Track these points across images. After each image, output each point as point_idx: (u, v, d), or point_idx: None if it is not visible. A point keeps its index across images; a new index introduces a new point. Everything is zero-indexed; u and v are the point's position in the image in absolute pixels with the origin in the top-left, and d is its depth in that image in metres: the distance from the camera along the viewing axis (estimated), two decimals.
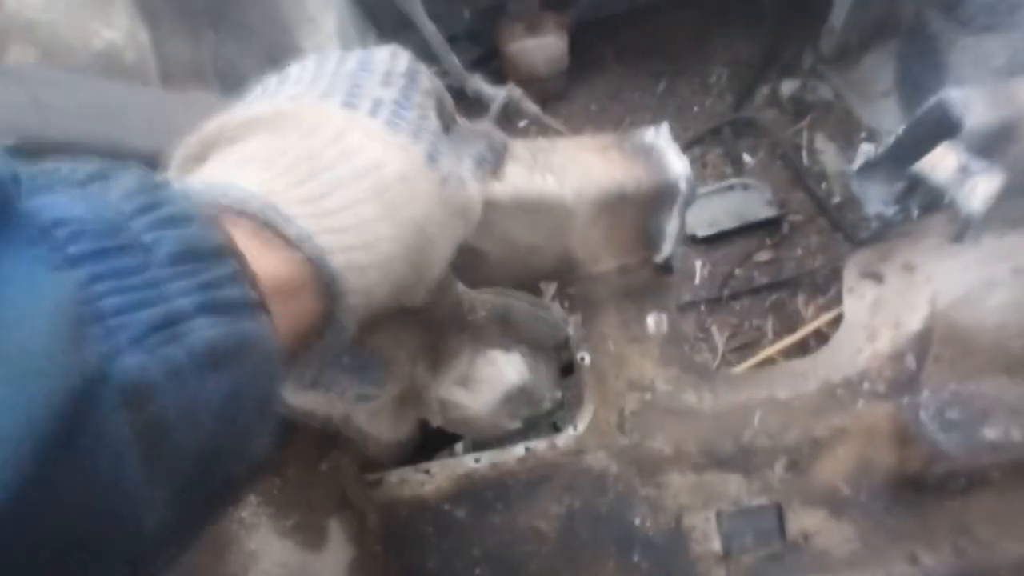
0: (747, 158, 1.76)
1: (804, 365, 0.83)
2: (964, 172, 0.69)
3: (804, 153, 1.73)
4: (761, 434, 0.86)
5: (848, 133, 1.75)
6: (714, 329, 1.49)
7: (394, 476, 0.85)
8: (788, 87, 1.87)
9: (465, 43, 1.84)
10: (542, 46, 1.72)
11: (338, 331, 0.40)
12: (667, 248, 0.70)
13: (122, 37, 0.99)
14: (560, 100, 1.92)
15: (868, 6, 1.62)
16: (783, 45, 1.84)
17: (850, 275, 0.84)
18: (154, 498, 0.27)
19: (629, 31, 1.98)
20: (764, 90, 1.86)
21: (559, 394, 0.77)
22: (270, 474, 0.59)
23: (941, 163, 0.70)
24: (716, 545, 0.90)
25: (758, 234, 1.63)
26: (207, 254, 0.31)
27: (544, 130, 1.05)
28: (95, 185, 0.30)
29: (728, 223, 1.55)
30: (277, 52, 1.15)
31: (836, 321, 1.23)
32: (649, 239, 0.69)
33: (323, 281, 0.38)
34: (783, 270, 1.57)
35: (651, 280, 0.76)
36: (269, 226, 0.36)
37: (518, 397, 0.71)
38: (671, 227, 0.67)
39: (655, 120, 1.97)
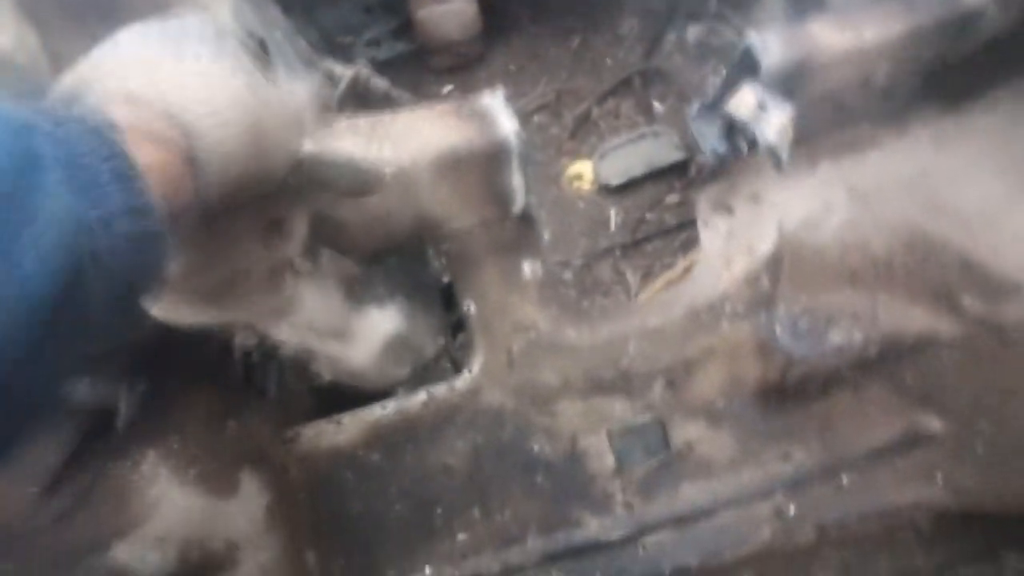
0: (657, 106, 1.83)
1: (669, 295, 0.92)
2: (761, 108, 0.77)
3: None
4: (637, 359, 0.95)
5: None
6: (628, 273, 1.58)
7: (310, 429, 0.94)
8: (694, 33, 1.93)
9: (381, 13, 1.88)
10: (453, 11, 1.76)
11: (204, 193, 0.51)
12: (519, 200, 0.77)
13: (9, 41, 1.03)
14: (478, 63, 1.97)
15: None
16: None
17: (703, 209, 0.93)
18: None
19: None
20: (672, 37, 1.92)
21: (441, 340, 0.86)
22: (168, 432, 0.67)
23: (743, 102, 0.79)
24: (610, 461, 1.00)
25: (667, 178, 1.72)
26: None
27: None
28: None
29: (638, 170, 1.63)
30: None
31: None
32: (499, 194, 0.77)
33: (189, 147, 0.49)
34: (691, 210, 1.66)
35: (519, 232, 0.84)
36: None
37: (399, 346, 0.79)
38: (516, 181, 0.75)
39: (571, 77, 2.02)
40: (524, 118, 1.80)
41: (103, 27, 1.20)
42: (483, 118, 0.72)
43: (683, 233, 1.59)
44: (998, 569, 1.06)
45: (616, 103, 1.81)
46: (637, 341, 0.93)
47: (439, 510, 0.97)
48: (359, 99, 0.99)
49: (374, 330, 0.75)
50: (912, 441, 0.97)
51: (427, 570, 0.98)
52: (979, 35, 0.85)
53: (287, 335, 0.70)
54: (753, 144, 0.81)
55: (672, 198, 1.64)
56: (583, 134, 1.80)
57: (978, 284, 0.88)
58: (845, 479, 1.00)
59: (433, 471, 0.96)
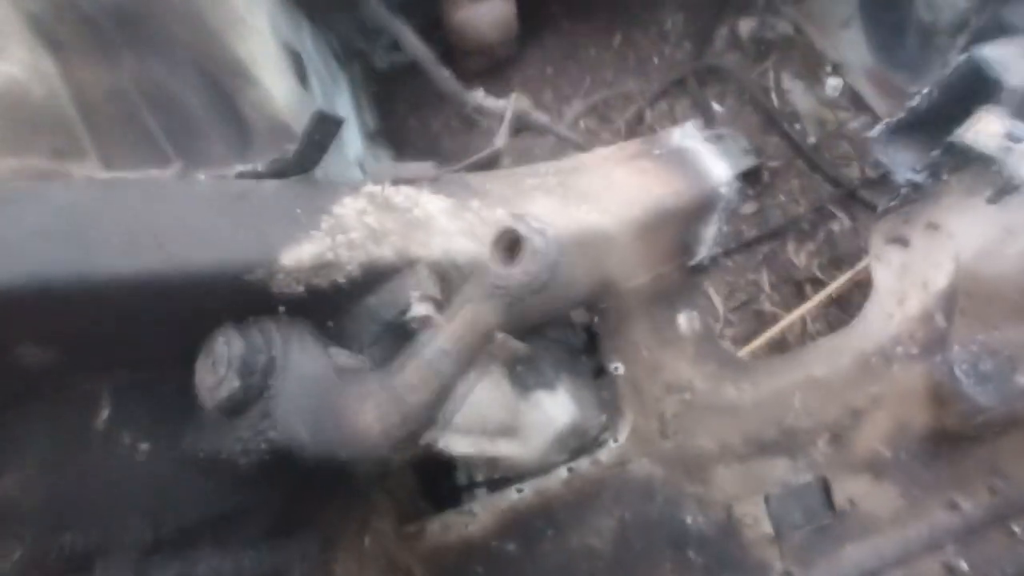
0: (716, 106, 1.72)
1: (837, 340, 0.82)
2: (1010, 138, 0.66)
3: (773, 95, 1.70)
4: (802, 415, 0.84)
5: (813, 68, 1.71)
6: (711, 291, 1.47)
7: (436, 523, 0.81)
8: (746, 26, 1.81)
9: (402, 15, 1.72)
10: (488, 12, 1.61)
11: None
12: (704, 251, 0.65)
13: (22, 70, 0.85)
14: (513, 66, 1.83)
15: None
16: None
17: (876, 243, 0.82)
18: None
19: None
20: (722, 32, 1.80)
21: (604, 417, 0.73)
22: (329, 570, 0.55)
23: (985, 130, 0.67)
24: (767, 527, 0.90)
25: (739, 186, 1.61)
26: None
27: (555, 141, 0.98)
28: None
29: None
30: (209, 64, 1.02)
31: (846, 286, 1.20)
32: (686, 246, 0.65)
33: None
34: (769, 219, 1.55)
35: (683, 283, 0.72)
36: None
37: (573, 434, 0.67)
38: (710, 231, 0.63)
39: (616, 78, 1.90)
40: (571, 124, 1.66)
41: (130, 54, 1.02)
42: (683, 161, 0.60)
43: (764, 245, 1.48)
44: None
45: (670, 104, 1.69)
46: (802, 395, 0.83)
47: None
48: (513, 134, 0.84)
49: (548, 422, 0.62)
50: None
51: None
52: None
53: (461, 446, 0.56)
54: (956, 170, 0.70)
55: (747, 207, 1.53)
56: (638, 134, 1.68)
57: None
58: (1017, 528, 0.92)
59: (575, 554, 0.84)
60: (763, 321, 1.19)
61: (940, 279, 0.81)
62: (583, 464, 0.80)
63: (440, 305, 0.50)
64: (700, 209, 0.61)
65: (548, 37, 1.80)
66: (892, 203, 0.76)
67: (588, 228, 0.55)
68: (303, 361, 0.45)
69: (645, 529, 0.84)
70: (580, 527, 0.82)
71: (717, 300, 1.41)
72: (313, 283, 0.49)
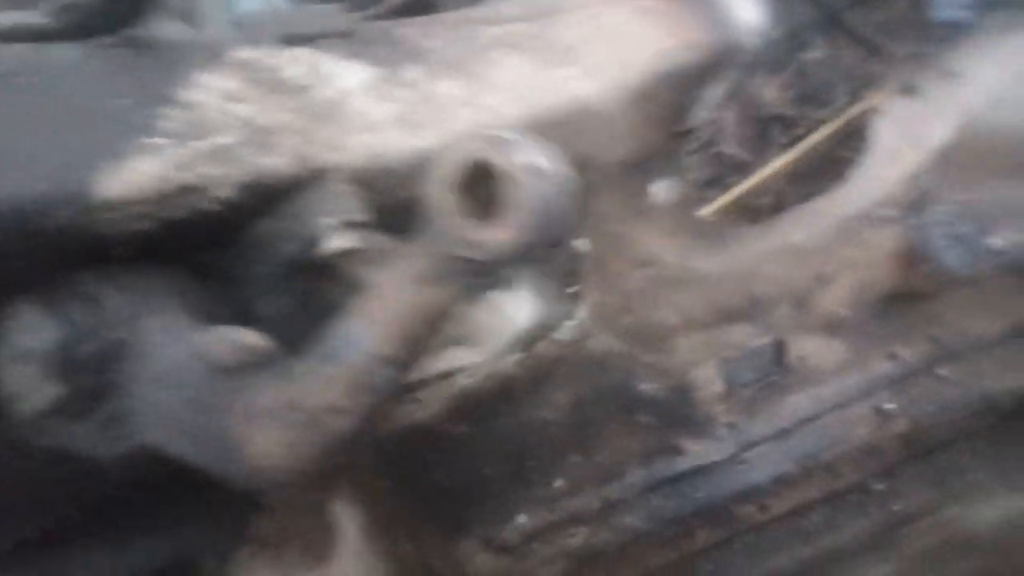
0: None
1: (822, 204, 0.74)
2: None
3: None
4: (771, 282, 0.80)
5: None
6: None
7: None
8: None
9: None
10: None
11: None
12: (701, 114, 0.52)
13: None
14: None
15: None
16: None
17: (887, 95, 0.71)
18: None
19: None
20: None
21: (571, 307, 0.65)
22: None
23: None
24: (718, 387, 0.90)
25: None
26: None
27: None
28: None
29: None
30: None
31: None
32: (683, 111, 0.51)
33: None
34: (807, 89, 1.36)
35: (664, 148, 0.59)
36: None
37: (533, 333, 0.58)
38: (714, 90, 0.49)
39: None
40: None
41: None
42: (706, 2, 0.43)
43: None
44: None
45: None
46: (775, 263, 0.77)
47: (534, 462, 0.86)
48: None
49: (507, 324, 0.52)
50: (1021, 332, 0.93)
51: (521, 518, 0.90)
52: None
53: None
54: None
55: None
56: None
57: None
58: (944, 371, 0.97)
59: (528, 428, 0.82)
60: (723, 164, 1.09)
61: (939, 133, 0.72)
62: (539, 345, 0.74)
63: (367, 230, 0.36)
64: (715, 65, 0.46)
65: None
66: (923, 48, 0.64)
67: (571, 102, 0.40)
68: (167, 345, 0.31)
69: (598, 399, 0.83)
70: (534, 403, 0.79)
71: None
72: (165, 216, 0.32)
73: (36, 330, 0.30)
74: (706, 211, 0.92)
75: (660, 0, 0.44)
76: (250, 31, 0.39)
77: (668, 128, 0.54)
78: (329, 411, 0.31)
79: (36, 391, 0.29)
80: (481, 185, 0.29)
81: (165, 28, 0.37)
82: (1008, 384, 0.95)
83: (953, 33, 0.65)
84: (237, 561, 0.46)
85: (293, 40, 0.37)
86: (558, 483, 0.89)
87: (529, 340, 0.60)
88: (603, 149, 0.50)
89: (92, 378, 0.31)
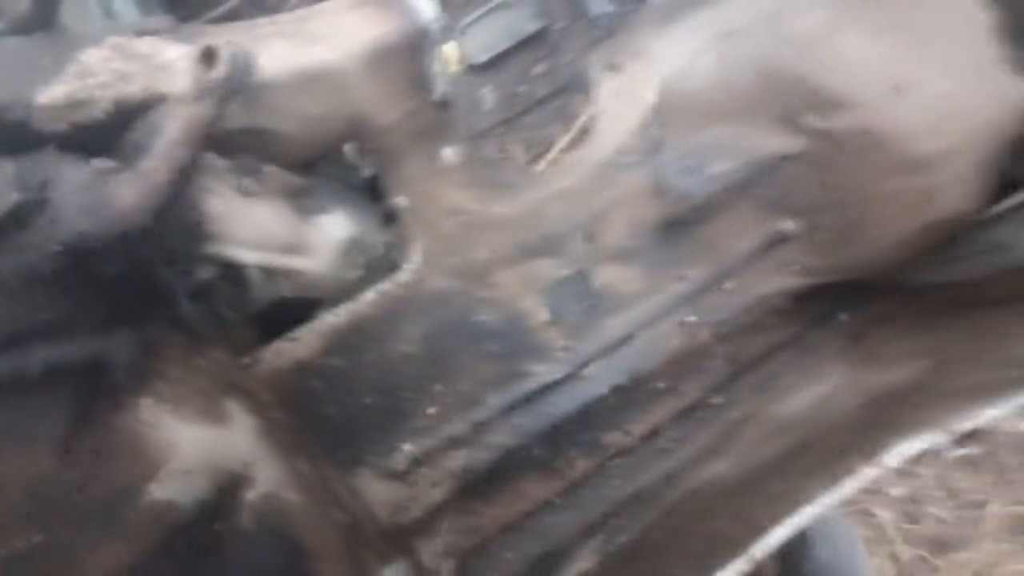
0: None
1: (578, 155, 1.02)
2: None
3: None
4: (556, 221, 1.05)
5: None
6: (513, 147, 1.64)
7: (268, 352, 0.95)
8: None
9: None
10: None
11: None
12: (439, 85, 0.79)
13: None
14: None
15: None
16: None
17: (594, 72, 1.00)
18: None
19: None
20: None
21: (387, 235, 0.89)
22: (152, 379, 0.66)
23: None
24: (545, 315, 1.13)
25: (530, 48, 1.75)
26: None
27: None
28: None
29: (502, 44, 1.64)
30: None
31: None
32: (422, 81, 0.78)
33: None
34: (560, 77, 1.72)
35: (437, 119, 0.86)
36: None
37: (353, 248, 0.81)
38: (434, 67, 0.76)
39: None
40: None
41: None
42: (400, 4, 0.71)
43: (556, 101, 1.66)
44: (835, 327, 1.38)
45: None
46: (554, 204, 1.03)
47: (406, 393, 1.05)
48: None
49: (328, 237, 0.75)
50: (774, 242, 1.20)
51: (406, 447, 1.08)
52: None
53: (249, 257, 0.68)
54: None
55: (539, 68, 1.68)
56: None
57: (814, 103, 1.06)
58: (728, 284, 1.23)
59: (394, 361, 1.03)
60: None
61: (649, 96, 1.02)
62: (386, 286, 0.96)
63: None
64: (417, 42, 0.74)
65: None
66: (599, 35, 0.94)
67: (320, 63, 0.67)
68: (74, 172, 0.55)
69: (448, 332, 1.04)
70: (393, 338, 1.00)
71: (520, 154, 1.58)
72: (73, 119, 0.58)
73: (2, 166, 0.53)
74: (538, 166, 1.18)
75: (372, 6, 0.73)
76: (118, 28, 0.66)
77: (418, 95, 0.80)
78: (153, 171, 0.54)
79: (3, 198, 0.50)
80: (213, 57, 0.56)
81: (70, 24, 0.65)
82: (774, 286, 1.21)
83: (614, 23, 0.94)
84: (142, 406, 0.64)
85: (142, 33, 0.64)
86: (431, 411, 1.09)
87: (354, 253, 0.82)
88: (369, 107, 0.76)
89: (35, 193, 0.52)
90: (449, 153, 0.91)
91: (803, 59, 1.02)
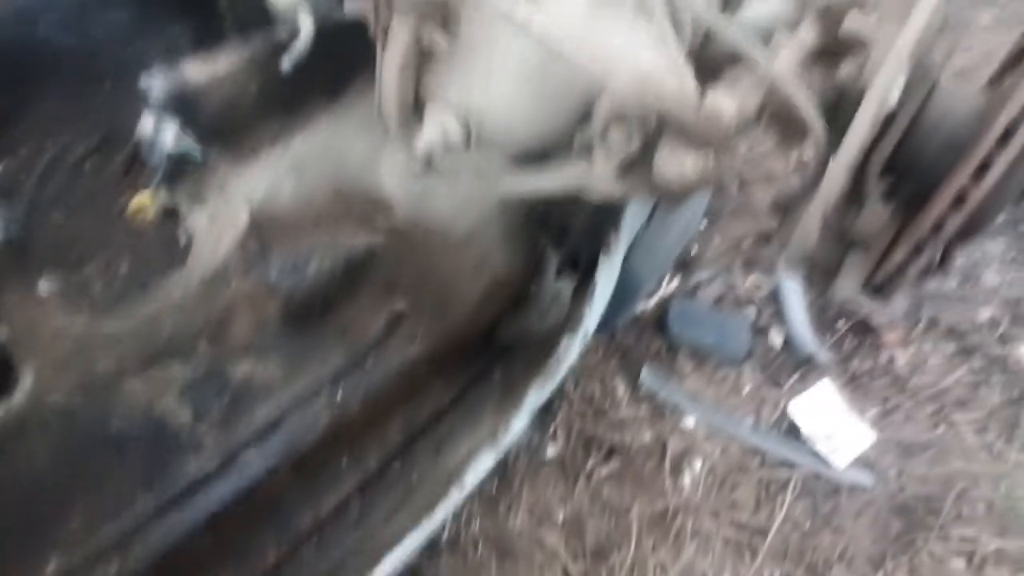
0: None
1: (182, 273, 1.23)
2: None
3: None
4: (176, 328, 1.23)
5: None
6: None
7: None
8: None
9: None
10: None
11: None
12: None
13: None
14: None
15: None
16: None
17: (183, 203, 1.26)
18: None
19: None
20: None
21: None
22: None
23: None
24: (187, 414, 1.26)
25: None
26: None
27: None
28: None
29: None
30: None
31: None
32: None
33: None
34: None
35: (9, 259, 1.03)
36: None
37: None
38: None
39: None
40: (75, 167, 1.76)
41: None
42: None
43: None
44: (492, 384, 1.63)
45: None
46: (171, 315, 1.21)
47: (46, 509, 1.09)
48: None
49: None
50: (394, 320, 1.46)
51: (51, 565, 1.09)
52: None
53: None
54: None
55: None
56: (136, 168, 1.88)
57: (376, 207, 1.38)
58: (369, 361, 1.44)
59: (24, 480, 1.08)
60: None
61: (242, 218, 1.28)
62: None
63: None
64: None
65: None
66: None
67: None
68: None
69: (81, 445, 1.13)
70: (19, 457, 1.07)
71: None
72: None
73: None
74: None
75: None
76: None
77: None
78: None
79: None
80: None
81: None
82: (409, 356, 1.45)
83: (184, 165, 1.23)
84: None
85: None
86: (74, 524, 1.14)
87: None
88: None
89: None
90: (44, 286, 1.08)
91: (360, 176, 1.36)
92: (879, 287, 0.84)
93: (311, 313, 1.35)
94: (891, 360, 2.26)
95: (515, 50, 0.73)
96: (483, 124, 0.74)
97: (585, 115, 0.78)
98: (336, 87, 1.31)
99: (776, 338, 2.22)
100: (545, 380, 1.07)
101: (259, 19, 1.61)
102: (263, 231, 1.29)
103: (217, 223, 1.25)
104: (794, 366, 2.14)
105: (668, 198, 0.77)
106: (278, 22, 1.19)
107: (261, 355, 1.30)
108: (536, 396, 1.06)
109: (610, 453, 1.88)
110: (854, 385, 2.17)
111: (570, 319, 1.15)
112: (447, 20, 0.67)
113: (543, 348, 1.36)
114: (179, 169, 1.18)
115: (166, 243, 1.74)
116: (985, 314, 2.30)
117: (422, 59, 0.69)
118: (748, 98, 0.65)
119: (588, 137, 0.78)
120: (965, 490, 1.92)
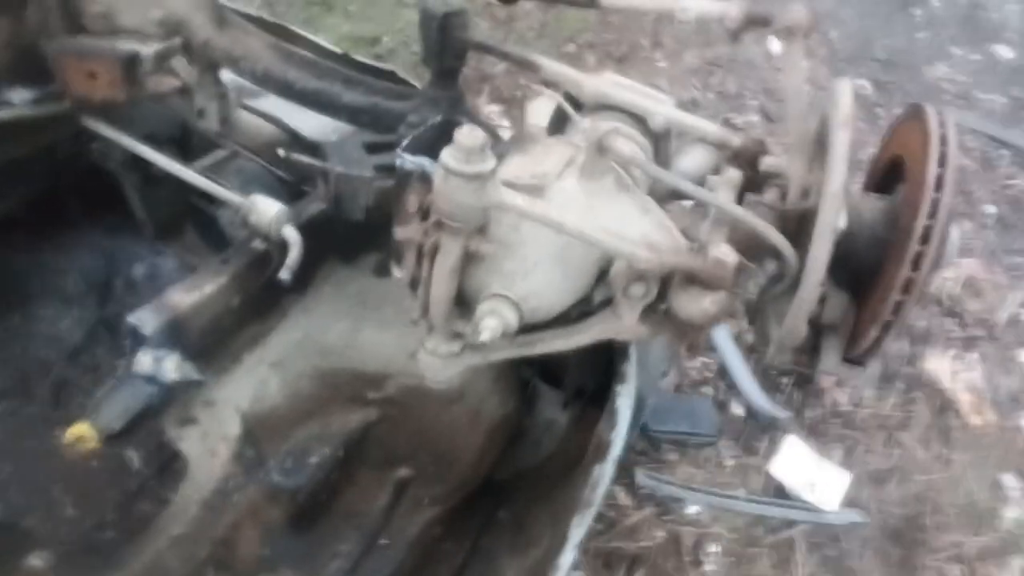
0: None
1: (179, 499, 1.15)
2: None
3: None
4: (183, 564, 1.14)
5: None
6: None
7: None
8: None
9: None
10: None
11: None
12: None
13: None
14: None
15: None
16: None
17: (169, 429, 1.20)
18: None
19: None
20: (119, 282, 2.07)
21: None
22: None
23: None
24: None
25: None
26: None
27: None
28: None
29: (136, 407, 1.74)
30: None
31: None
32: None
33: None
34: None
35: None
36: None
37: None
38: None
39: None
40: None
41: None
42: None
43: None
44: (500, 526, 1.59)
45: (91, 356, 1.81)
46: (173, 552, 1.12)
47: None
48: None
49: None
50: (401, 488, 1.42)
51: None
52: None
53: None
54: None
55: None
56: (65, 400, 1.74)
57: (367, 382, 1.38)
58: (382, 540, 1.39)
59: None
60: None
61: (234, 429, 1.24)
62: None
63: None
64: None
65: None
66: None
67: None
68: None
69: None
70: None
71: None
72: None
73: None
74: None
75: None
76: None
77: None
78: None
79: None
80: None
81: None
82: (421, 523, 1.40)
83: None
84: None
85: None
86: None
87: None
88: None
89: None
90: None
91: (344, 357, 1.36)
92: (857, 360, 0.97)
93: (317, 506, 1.30)
94: (835, 403, 2.44)
95: (542, 240, 0.81)
96: (529, 306, 0.84)
97: (600, 275, 0.88)
98: (302, 281, 1.33)
99: (738, 409, 2.33)
100: (584, 511, 1.09)
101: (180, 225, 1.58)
102: (257, 435, 1.25)
103: (209, 439, 1.20)
104: (761, 430, 2.26)
105: (692, 332, 0.88)
106: (245, 234, 1.21)
107: (274, 566, 1.23)
108: (579, 530, 1.08)
109: (632, 563, 1.87)
110: (816, 434, 2.31)
111: (598, 448, 1.18)
112: (484, 228, 0.78)
113: (572, 481, 1.36)
114: (171, 397, 1.14)
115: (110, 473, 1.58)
116: (892, 344, 2.55)
117: (465, 262, 0.79)
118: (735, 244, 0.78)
119: (605, 292, 0.89)
120: (935, 501, 2.08)
